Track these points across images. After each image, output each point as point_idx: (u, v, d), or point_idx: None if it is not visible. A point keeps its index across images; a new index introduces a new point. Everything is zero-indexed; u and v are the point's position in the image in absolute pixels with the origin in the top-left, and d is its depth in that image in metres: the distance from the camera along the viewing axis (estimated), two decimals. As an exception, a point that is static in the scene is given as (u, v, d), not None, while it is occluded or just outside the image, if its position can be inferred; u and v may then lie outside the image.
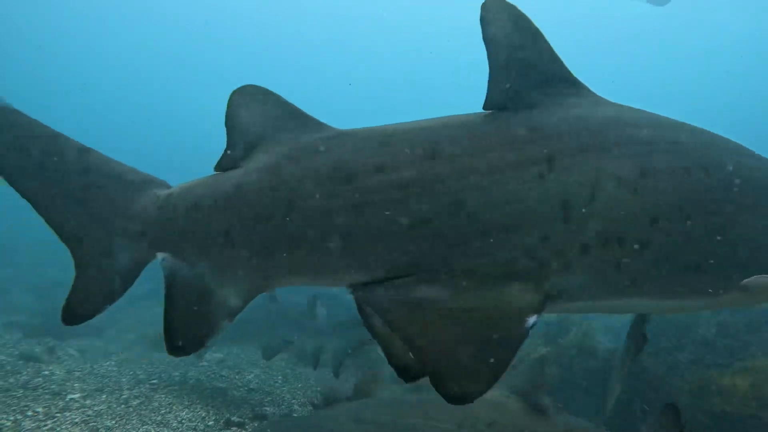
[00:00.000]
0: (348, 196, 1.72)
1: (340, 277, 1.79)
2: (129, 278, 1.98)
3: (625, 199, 1.67)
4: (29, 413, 4.96)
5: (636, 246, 1.66)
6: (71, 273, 1.99)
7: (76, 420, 4.87)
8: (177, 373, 6.56)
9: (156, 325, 8.47)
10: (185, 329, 1.84)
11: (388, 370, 6.53)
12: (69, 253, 2.04)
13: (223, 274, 1.84)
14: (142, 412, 5.17)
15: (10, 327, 8.74)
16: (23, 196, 2.02)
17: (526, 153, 1.71)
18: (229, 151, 1.98)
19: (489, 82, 1.88)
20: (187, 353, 1.82)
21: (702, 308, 2.27)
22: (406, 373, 1.75)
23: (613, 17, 38.96)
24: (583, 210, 1.64)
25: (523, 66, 1.86)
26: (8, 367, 6.41)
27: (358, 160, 1.76)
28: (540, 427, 2.80)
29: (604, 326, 7.26)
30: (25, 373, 6.24)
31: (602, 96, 2.02)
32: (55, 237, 2.05)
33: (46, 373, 6.33)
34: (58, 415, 4.94)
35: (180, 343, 1.82)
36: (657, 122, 1.92)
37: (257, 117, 1.97)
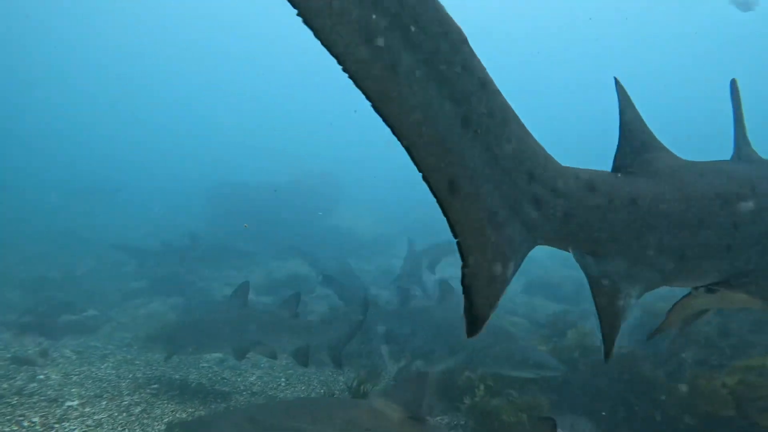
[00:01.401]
0: (726, 216, 2.08)
1: (703, 281, 2.12)
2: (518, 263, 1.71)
3: None
4: (25, 423, 4.76)
5: None
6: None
7: (75, 431, 4.69)
8: (178, 376, 6.37)
9: (152, 323, 8.28)
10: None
11: (390, 370, 6.30)
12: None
13: (633, 273, 1.92)
14: (145, 420, 5.00)
15: (0, 327, 8.46)
16: None
17: None
18: (624, 151, 2.10)
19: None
20: None
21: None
22: None
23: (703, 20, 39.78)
24: None
25: None
26: (1, 372, 6.17)
27: (729, 189, 2.10)
28: None
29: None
30: (19, 378, 6.01)
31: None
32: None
33: (42, 377, 6.11)
34: (57, 426, 4.75)
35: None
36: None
37: (639, 123, 2.14)
